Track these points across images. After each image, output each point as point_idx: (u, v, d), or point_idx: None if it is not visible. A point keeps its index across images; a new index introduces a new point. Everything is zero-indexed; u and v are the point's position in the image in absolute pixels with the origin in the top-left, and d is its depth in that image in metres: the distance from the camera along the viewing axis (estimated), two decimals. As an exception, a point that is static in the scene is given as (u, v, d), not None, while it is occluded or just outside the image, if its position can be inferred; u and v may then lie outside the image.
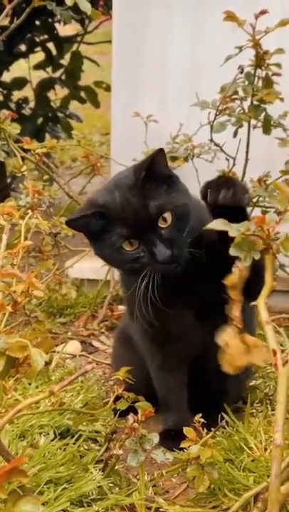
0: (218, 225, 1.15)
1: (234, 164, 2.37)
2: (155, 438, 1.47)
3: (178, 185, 1.65)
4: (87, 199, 1.70)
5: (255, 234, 1.14)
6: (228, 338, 1.15)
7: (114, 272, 2.67)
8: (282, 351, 2.04)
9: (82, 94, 4.42)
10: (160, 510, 1.48)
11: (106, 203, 1.60)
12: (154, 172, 1.59)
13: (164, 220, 1.57)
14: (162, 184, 1.60)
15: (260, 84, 2.15)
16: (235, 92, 2.16)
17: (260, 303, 1.14)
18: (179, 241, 1.58)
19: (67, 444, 1.65)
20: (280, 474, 1.03)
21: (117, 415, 1.60)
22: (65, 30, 4.33)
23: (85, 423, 1.66)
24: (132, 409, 1.54)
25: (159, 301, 1.59)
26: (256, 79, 2.14)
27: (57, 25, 4.21)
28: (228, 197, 1.59)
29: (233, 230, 1.14)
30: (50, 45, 4.36)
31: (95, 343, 2.44)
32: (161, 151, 1.61)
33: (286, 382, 1.07)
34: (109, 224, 1.59)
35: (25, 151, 2.42)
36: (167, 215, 1.57)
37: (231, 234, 1.14)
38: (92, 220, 1.60)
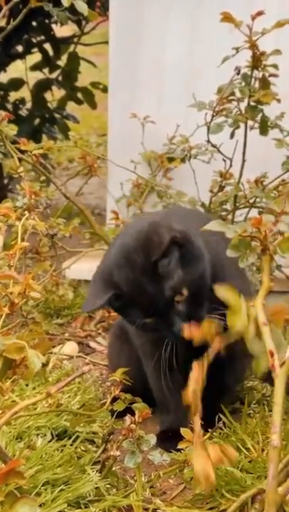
0: (214, 226, 1.15)
1: (231, 165, 2.38)
2: (152, 439, 1.47)
3: (191, 251, 1.59)
4: (99, 274, 1.67)
5: (252, 235, 1.14)
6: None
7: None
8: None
9: (79, 95, 4.41)
10: (157, 511, 1.48)
11: (120, 284, 1.58)
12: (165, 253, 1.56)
13: (181, 294, 1.56)
14: (174, 257, 1.56)
15: (257, 85, 2.15)
16: (232, 93, 2.17)
17: (258, 304, 1.14)
18: (196, 312, 1.57)
19: (65, 446, 1.65)
20: (277, 475, 1.03)
21: (114, 416, 1.59)
22: (61, 31, 4.32)
23: (82, 424, 1.66)
24: (129, 410, 1.54)
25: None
26: (253, 80, 2.15)
27: (54, 26, 4.21)
28: None
29: (230, 231, 1.14)
30: (47, 46, 4.35)
31: (92, 344, 2.44)
32: (173, 239, 1.54)
33: (283, 383, 1.07)
34: (126, 304, 1.60)
35: (22, 152, 2.42)
36: (183, 291, 1.56)
37: (228, 235, 1.14)
38: (110, 303, 1.61)
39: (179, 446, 1.50)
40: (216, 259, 1.63)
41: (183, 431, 1.49)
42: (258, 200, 2.32)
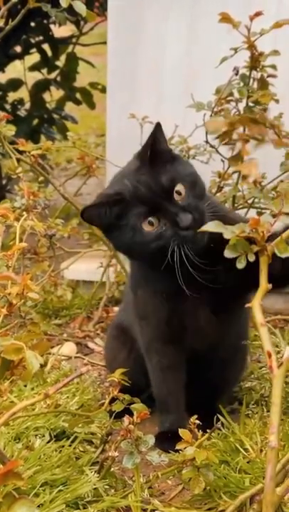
0: (212, 226, 1.15)
1: (229, 166, 2.37)
2: (151, 440, 1.47)
3: (180, 159, 1.68)
4: (99, 193, 1.71)
5: (249, 236, 1.14)
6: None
7: (109, 273, 2.67)
8: (278, 353, 2.06)
9: (78, 95, 4.41)
10: (156, 512, 1.48)
11: (119, 190, 1.62)
12: (157, 150, 1.61)
13: (179, 193, 1.58)
14: (166, 161, 1.62)
15: (255, 85, 2.15)
16: (231, 94, 2.17)
17: (255, 304, 1.14)
18: (197, 206, 1.58)
19: (63, 446, 1.65)
20: (275, 477, 1.03)
21: (112, 417, 1.59)
22: (60, 31, 4.32)
23: (80, 425, 1.66)
24: (128, 411, 1.54)
25: (183, 285, 1.57)
26: (251, 80, 2.15)
27: (52, 26, 4.21)
28: None
29: (228, 231, 1.14)
30: (46, 47, 4.36)
31: (91, 345, 2.44)
32: (159, 125, 1.63)
33: (281, 384, 1.07)
34: (125, 208, 1.59)
35: (21, 152, 2.42)
36: (180, 188, 1.58)
37: (226, 236, 1.14)
38: (107, 209, 1.60)
39: (177, 447, 1.50)
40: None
41: (181, 432, 1.49)
42: (256, 200, 2.32)
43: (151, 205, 1.57)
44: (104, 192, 1.69)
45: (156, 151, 1.61)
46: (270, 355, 1.07)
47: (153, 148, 1.61)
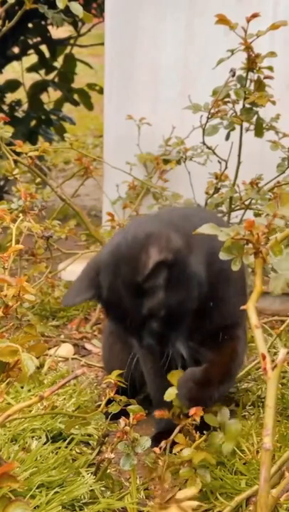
0: (207, 229, 1.15)
1: (226, 167, 2.38)
2: (147, 442, 1.47)
3: (181, 274, 1.51)
4: (87, 269, 1.62)
5: (244, 238, 1.14)
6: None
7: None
8: (275, 354, 2.06)
9: (76, 96, 4.41)
10: (152, 513, 1.48)
11: (102, 288, 1.55)
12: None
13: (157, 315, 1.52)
14: (161, 277, 1.49)
15: (252, 87, 2.16)
16: (228, 95, 2.17)
17: (250, 307, 1.14)
18: (168, 334, 1.54)
19: (60, 448, 1.65)
20: (269, 479, 1.03)
21: (108, 418, 1.59)
22: (58, 32, 4.32)
23: (77, 426, 1.66)
24: (124, 412, 1.55)
25: None
26: (248, 82, 2.15)
27: (50, 27, 4.21)
28: None
29: (223, 234, 1.14)
30: (44, 48, 4.36)
31: (88, 346, 2.43)
32: (161, 262, 1.46)
33: (275, 386, 1.07)
34: (105, 306, 1.60)
35: (18, 153, 2.42)
36: (161, 312, 1.51)
37: (221, 238, 1.14)
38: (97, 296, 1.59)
39: (174, 451, 1.50)
40: (217, 272, 1.57)
41: (177, 436, 1.49)
42: (253, 201, 2.32)
43: (124, 323, 1.56)
44: (91, 277, 1.60)
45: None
46: (264, 358, 1.07)
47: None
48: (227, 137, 2.25)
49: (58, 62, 4.44)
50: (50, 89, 4.44)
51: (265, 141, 2.27)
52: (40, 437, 1.69)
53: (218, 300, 1.58)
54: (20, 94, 4.41)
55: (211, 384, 1.59)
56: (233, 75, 2.15)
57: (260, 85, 2.15)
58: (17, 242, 1.86)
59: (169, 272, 1.48)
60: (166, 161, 2.70)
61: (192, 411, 1.48)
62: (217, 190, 2.43)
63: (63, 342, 2.42)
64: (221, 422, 1.46)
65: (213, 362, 1.62)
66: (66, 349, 2.35)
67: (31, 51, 4.39)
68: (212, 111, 2.22)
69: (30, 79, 4.44)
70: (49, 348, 2.32)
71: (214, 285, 1.57)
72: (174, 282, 1.49)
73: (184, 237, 1.53)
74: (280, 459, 1.37)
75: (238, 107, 2.19)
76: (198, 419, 1.49)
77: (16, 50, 4.36)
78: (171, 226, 1.58)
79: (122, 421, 1.47)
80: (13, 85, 4.35)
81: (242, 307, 1.17)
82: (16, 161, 2.39)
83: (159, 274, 1.47)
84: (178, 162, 2.64)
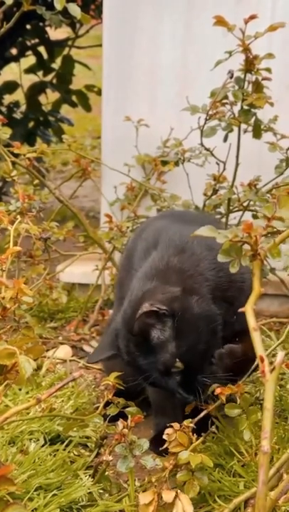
0: (204, 231, 1.15)
1: (224, 168, 2.38)
2: (145, 444, 1.46)
3: (187, 318, 1.54)
4: (111, 327, 1.68)
5: (242, 240, 1.14)
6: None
7: (104, 276, 2.66)
8: (273, 355, 2.05)
9: (74, 97, 4.41)
10: (150, 516, 1.48)
11: (121, 349, 1.61)
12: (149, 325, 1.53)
13: (175, 367, 1.54)
14: (167, 327, 1.53)
15: (250, 88, 2.15)
16: (226, 97, 2.17)
17: (248, 309, 1.13)
18: (192, 382, 1.55)
19: (58, 450, 1.64)
20: (267, 481, 1.03)
21: (107, 421, 1.59)
22: (56, 34, 4.33)
23: (75, 429, 1.66)
24: (123, 413, 1.54)
25: None
26: (246, 83, 2.15)
27: (48, 29, 4.21)
28: None
29: (221, 236, 1.14)
30: (42, 49, 4.36)
31: (86, 348, 2.43)
32: (147, 314, 1.51)
33: (273, 389, 1.06)
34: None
35: (16, 155, 2.42)
36: (177, 364, 1.53)
37: (219, 240, 1.14)
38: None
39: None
40: (228, 288, 1.60)
41: (177, 435, 1.49)
42: (251, 203, 2.32)
43: (149, 380, 1.60)
44: (107, 345, 1.70)
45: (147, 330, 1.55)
46: (262, 360, 1.06)
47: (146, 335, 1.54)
48: (225, 139, 2.25)
49: (56, 64, 4.44)
50: (48, 91, 4.45)
51: (264, 142, 2.27)
52: (38, 439, 1.68)
53: (235, 313, 1.56)
54: (19, 95, 4.41)
55: (246, 358, 1.57)
56: (231, 77, 2.15)
57: (258, 87, 2.15)
58: (15, 243, 1.85)
59: (173, 322, 1.51)
60: (164, 163, 2.69)
61: (218, 390, 1.48)
62: (215, 191, 2.43)
63: (61, 344, 2.42)
64: (245, 408, 1.48)
65: (246, 342, 1.61)
66: (64, 351, 2.34)
67: (29, 52, 4.39)
68: (210, 112, 2.21)
69: (29, 80, 4.44)
70: (47, 350, 2.32)
71: (229, 301, 1.60)
72: (181, 331, 1.53)
73: (182, 281, 1.58)
74: (279, 461, 1.37)
75: (236, 108, 2.19)
76: (223, 399, 1.51)
77: (14, 51, 4.36)
78: (168, 274, 1.60)
79: (120, 423, 1.46)
80: (11, 87, 4.35)
81: (240, 309, 1.17)
82: (13, 163, 2.38)
83: (161, 326, 1.52)
84: (176, 163, 2.63)
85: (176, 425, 1.45)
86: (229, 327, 1.60)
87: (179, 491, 1.35)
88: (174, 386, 1.55)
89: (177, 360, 1.52)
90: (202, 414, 1.55)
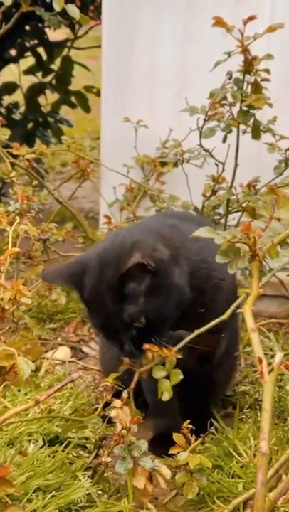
0: (203, 232, 1.15)
1: (223, 169, 2.38)
2: (143, 445, 1.46)
3: (163, 282, 1.55)
4: (76, 262, 1.65)
5: (241, 241, 1.14)
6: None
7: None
8: (271, 357, 2.06)
9: (73, 98, 4.41)
10: (149, 517, 1.48)
11: (84, 288, 1.58)
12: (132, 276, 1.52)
13: (138, 322, 1.54)
14: (144, 284, 1.52)
15: (249, 89, 2.16)
16: (224, 98, 2.18)
17: (246, 310, 1.13)
18: (148, 340, 1.54)
19: (56, 451, 1.64)
20: (265, 483, 1.03)
21: (105, 421, 1.59)
22: (55, 35, 4.32)
23: (74, 430, 1.66)
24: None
25: None
26: (245, 84, 2.15)
27: (47, 30, 4.21)
28: None
29: (219, 237, 1.14)
30: (41, 50, 4.35)
31: (85, 349, 2.43)
32: (141, 270, 1.50)
33: (272, 390, 1.06)
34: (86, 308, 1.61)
35: (15, 156, 2.42)
36: (142, 319, 1.53)
37: (217, 241, 1.14)
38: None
39: (170, 452, 1.49)
40: (205, 282, 1.61)
41: (175, 436, 1.49)
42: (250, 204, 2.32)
43: (104, 327, 1.61)
44: (68, 276, 1.64)
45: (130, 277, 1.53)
46: (260, 361, 1.06)
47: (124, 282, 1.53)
48: (224, 140, 2.25)
49: (55, 65, 4.43)
50: (48, 92, 4.44)
51: (262, 143, 2.27)
52: (36, 441, 1.68)
53: (205, 307, 1.60)
54: (18, 96, 4.40)
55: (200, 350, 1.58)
56: (230, 78, 2.15)
57: (257, 88, 2.15)
58: (14, 244, 1.85)
59: (151, 280, 1.51)
60: (163, 164, 2.69)
61: (146, 346, 1.49)
62: (214, 192, 2.43)
63: (60, 345, 2.42)
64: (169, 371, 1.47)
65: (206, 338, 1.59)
66: (63, 352, 2.34)
67: (28, 53, 4.38)
68: (209, 113, 2.22)
69: (28, 81, 4.43)
70: (46, 351, 2.32)
71: (201, 291, 1.60)
72: (155, 291, 1.53)
73: (171, 249, 1.58)
74: (277, 462, 1.37)
75: (235, 109, 2.20)
76: (150, 355, 1.50)
77: (13, 52, 4.35)
78: (159, 237, 1.61)
79: (118, 424, 1.46)
80: (10, 88, 4.34)
81: (239, 310, 1.17)
82: (12, 164, 2.38)
83: (140, 280, 1.51)
84: (175, 164, 2.63)
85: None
86: (194, 318, 1.59)
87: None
88: (127, 338, 1.55)
89: (143, 316, 1.52)
90: (135, 377, 1.55)
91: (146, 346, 1.48)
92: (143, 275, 1.50)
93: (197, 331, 1.49)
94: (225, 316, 1.46)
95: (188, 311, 1.59)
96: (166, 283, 1.55)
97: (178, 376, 1.44)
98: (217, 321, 1.46)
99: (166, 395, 1.44)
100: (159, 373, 1.46)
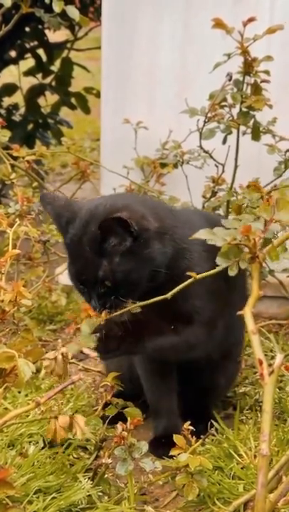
0: (203, 234, 1.15)
1: (223, 171, 2.38)
2: (144, 446, 1.47)
3: (143, 248, 1.58)
4: (66, 202, 1.72)
5: (241, 243, 1.14)
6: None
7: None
8: (272, 358, 2.06)
9: (73, 100, 4.41)
10: (149, 518, 1.48)
11: (68, 230, 1.63)
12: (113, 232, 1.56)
13: (108, 281, 1.57)
14: (123, 244, 1.56)
15: (248, 91, 2.16)
16: (224, 99, 2.18)
17: (247, 312, 1.13)
18: (115, 304, 1.57)
19: (57, 453, 1.64)
20: (266, 484, 1.03)
21: (106, 423, 1.59)
22: (55, 36, 4.32)
23: (74, 431, 1.65)
24: (122, 416, 1.54)
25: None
26: (245, 86, 2.15)
27: (47, 31, 4.21)
28: None
29: (219, 239, 1.14)
30: (41, 52, 4.35)
31: (86, 350, 2.43)
32: (121, 222, 1.54)
33: (272, 392, 1.06)
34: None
35: (15, 158, 2.42)
36: (110, 279, 1.57)
37: (217, 243, 1.14)
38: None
39: (171, 453, 1.49)
40: (183, 273, 1.57)
41: (175, 437, 1.49)
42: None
43: (77, 276, 1.64)
44: (56, 213, 1.71)
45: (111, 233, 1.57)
46: (261, 363, 1.06)
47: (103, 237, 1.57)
48: (224, 141, 2.25)
49: (55, 66, 4.43)
50: (48, 93, 4.44)
51: (262, 144, 2.27)
52: (37, 442, 1.68)
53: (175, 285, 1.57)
54: (18, 97, 4.40)
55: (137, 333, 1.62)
56: (230, 79, 2.15)
57: (256, 89, 2.15)
58: (14, 246, 1.85)
59: (131, 244, 1.55)
60: (163, 165, 2.69)
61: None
62: (214, 193, 2.43)
63: (61, 346, 2.41)
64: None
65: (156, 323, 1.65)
66: (63, 353, 2.34)
67: (28, 55, 4.38)
68: (209, 115, 2.22)
69: (28, 83, 4.43)
70: (46, 353, 2.31)
71: (176, 275, 1.59)
72: (131, 256, 1.56)
73: (160, 226, 1.62)
74: (278, 464, 1.37)
75: (235, 110, 2.20)
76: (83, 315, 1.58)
77: (13, 53, 4.35)
78: (153, 212, 1.65)
79: (119, 426, 1.46)
80: (10, 89, 4.34)
81: (239, 312, 1.17)
82: (12, 165, 2.38)
83: (121, 238, 1.55)
84: (175, 166, 2.63)
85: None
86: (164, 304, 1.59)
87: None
88: (94, 294, 1.58)
89: (113, 275, 1.55)
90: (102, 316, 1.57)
91: (88, 306, 1.56)
92: (124, 235, 1.55)
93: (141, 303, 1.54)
94: (168, 295, 1.49)
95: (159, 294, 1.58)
96: (145, 253, 1.58)
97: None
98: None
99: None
100: (85, 328, 1.49)
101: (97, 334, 1.57)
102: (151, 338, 1.64)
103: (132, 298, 1.56)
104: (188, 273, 1.46)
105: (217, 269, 1.26)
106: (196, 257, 1.63)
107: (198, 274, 1.45)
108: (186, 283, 1.46)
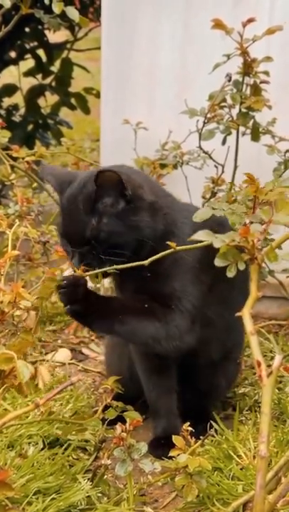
0: (202, 236, 1.15)
1: (223, 171, 2.38)
2: (143, 447, 1.46)
3: (131, 216, 1.61)
4: (69, 173, 1.79)
5: (239, 245, 1.14)
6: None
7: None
8: (271, 358, 2.06)
9: (73, 100, 4.41)
10: (148, 519, 1.48)
11: (62, 192, 1.68)
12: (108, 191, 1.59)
13: (95, 241, 1.59)
14: (116, 207, 1.60)
15: (248, 91, 2.16)
16: (224, 100, 2.18)
17: (245, 313, 1.13)
18: (95, 263, 1.59)
19: (56, 454, 1.64)
20: (265, 486, 1.03)
21: (105, 424, 1.59)
22: (55, 37, 4.32)
23: (74, 432, 1.66)
24: (121, 417, 1.55)
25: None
26: (244, 86, 2.15)
27: (47, 32, 4.21)
28: None
29: (218, 240, 1.14)
30: (40, 52, 4.36)
31: (85, 351, 2.43)
32: (117, 182, 1.58)
33: (270, 393, 1.06)
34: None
35: (15, 158, 2.42)
36: (96, 240, 1.59)
37: (216, 245, 1.14)
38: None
39: (170, 454, 1.49)
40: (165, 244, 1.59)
41: (174, 438, 1.49)
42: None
43: (65, 236, 1.68)
44: (52, 177, 1.77)
45: (104, 192, 1.60)
46: (259, 365, 1.06)
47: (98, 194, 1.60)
48: (224, 142, 2.25)
49: (55, 67, 4.44)
50: (47, 94, 4.44)
51: (262, 145, 2.27)
52: (36, 443, 1.68)
53: (158, 266, 1.58)
54: (18, 98, 4.41)
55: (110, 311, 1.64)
56: (230, 80, 2.15)
57: (256, 90, 2.16)
58: (14, 247, 1.86)
59: (123, 209, 1.59)
60: (162, 166, 2.69)
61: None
62: (214, 194, 2.43)
63: (60, 347, 2.42)
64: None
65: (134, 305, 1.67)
66: (63, 354, 2.34)
67: (28, 55, 4.39)
68: (208, 115, 2.22)
69: (28, 83, 4.43)
70: (46, 353, 2.32)
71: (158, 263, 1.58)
72: (121, 220, 1.59)
73: (155, 202, 1.66)
74: (277, 465, 1.37)
75: (235, 111, 2.20)
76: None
77: (13, 54, 4.35)
78: (151, 188, 1.69)
79: (118, 427, 1.46)
80: (10, 89, 4.35)
81: (237, 313, 1.17)
82: (12, 166, 2.38)
83: (114, 200, 1.59)
84: (174, 166, 2.63)
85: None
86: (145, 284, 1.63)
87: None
88: (77, 252, 1.60)
89: (100, 233, 1.58)
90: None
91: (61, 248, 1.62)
92: (118, 198, 1.58)
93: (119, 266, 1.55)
94: (146, 262, 1.51)
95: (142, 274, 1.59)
96: (133, 220, 1.61)
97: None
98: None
99: None
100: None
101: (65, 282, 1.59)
102: (124, 318, 1.64)
103: (113, 263, 1.57)
104: (167, 242, 1.48)
105: (197, 245, 1.28)
106: (184, 241, 1.60)
107: (183, 258, 1.46)
108: (165, 252, 1.48)
